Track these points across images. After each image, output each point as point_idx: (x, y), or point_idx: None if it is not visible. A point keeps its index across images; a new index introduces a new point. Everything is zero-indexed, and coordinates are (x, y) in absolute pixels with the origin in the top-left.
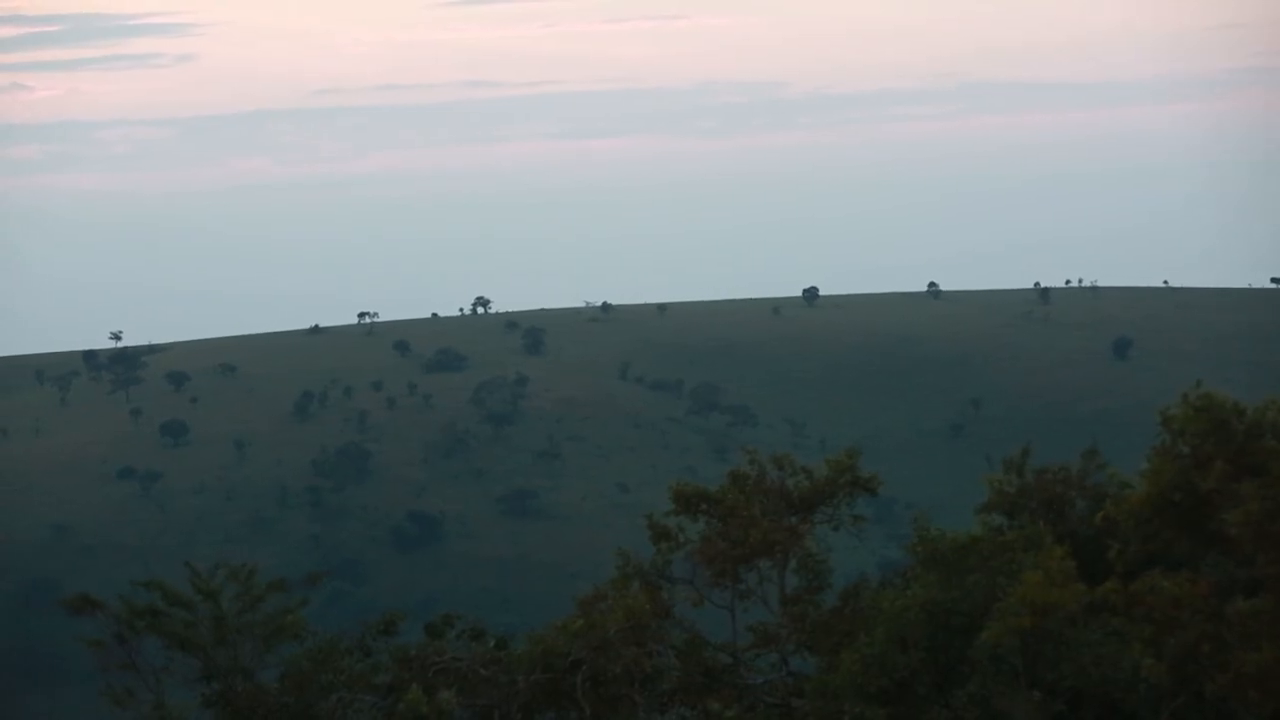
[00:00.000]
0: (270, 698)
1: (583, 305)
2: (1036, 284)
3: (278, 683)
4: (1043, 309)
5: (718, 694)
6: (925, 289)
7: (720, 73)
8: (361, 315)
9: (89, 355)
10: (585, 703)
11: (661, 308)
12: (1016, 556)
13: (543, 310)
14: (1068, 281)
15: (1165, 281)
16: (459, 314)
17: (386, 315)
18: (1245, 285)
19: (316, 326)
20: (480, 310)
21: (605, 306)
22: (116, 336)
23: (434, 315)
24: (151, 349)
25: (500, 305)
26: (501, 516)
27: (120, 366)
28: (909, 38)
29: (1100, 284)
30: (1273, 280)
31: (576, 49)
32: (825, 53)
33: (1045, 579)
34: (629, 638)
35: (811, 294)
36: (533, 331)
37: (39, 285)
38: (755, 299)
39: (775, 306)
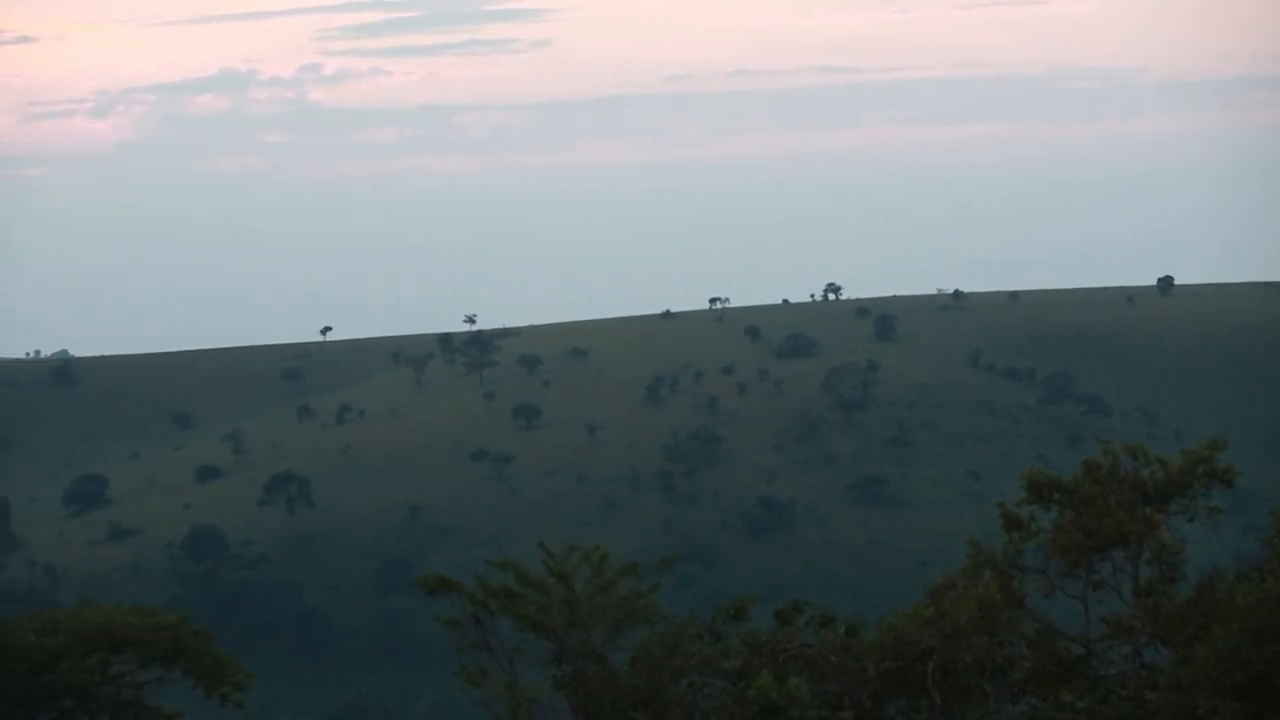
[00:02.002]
0: (621, 681)
1: (934, 292)
2: None
3: (628, 666)
4: None
5: (1070, 685)
6: None
7: (1074, 58)
8: (713, 300)
9: (444, 338)
10: (935, 692)
11: (1014, 295)
12: None
13: (894, 297)
14: None
15: None
16: (810, 300)
17: (738, 301)
18: None
19: (668, 311)
20: (831, 296)
21: (957, 294)
22: (471, 319)
23: (785, 301)
24: (505, 332)
25: (851, 291)
26: (852, 503)
27: (474, 349)
28: (1271, 23)
29: None
30: None
31: (930, 35)
32: (1184, 38)
33: None
34: (980, 627)
35: (1166, 283)
36: (884, 318)
37: (394, 268)
38: (1108, 287)
39: (1129, 295)
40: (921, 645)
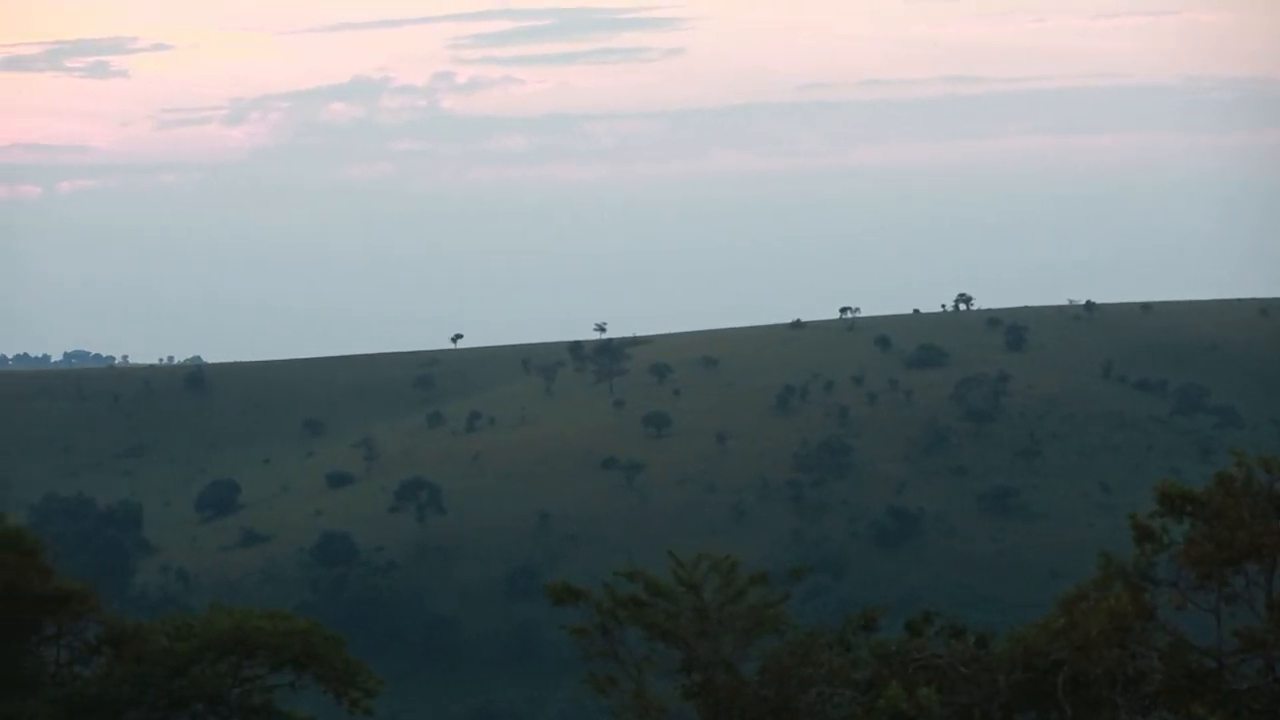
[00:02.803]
0: (750, 690)
1: (1066, 303)
2: None
3: (757, 676)
4: None
5: (1201, 699)
6: None
7: (1210, 68)
8: (843, 310)
9: (574, 346)
10: (1066, 704)
11: (1145, 307)
12: None
13: (1025, 308)
14: None
15: None
16: (940, 310)
17: (868, 310)
18: None
19: (798, 320)
20: (962, 307)
21: (1089, 304)
22: (601, 328)
23: (915, 311)
24: (635, 341)
25: (982, 302)
26: (982, 514)
27: (604, 358)
28: None
29: None
30: None
31: (1064, 44)
32: None
33: None
34: (1111, 639)
35: None
36: (1015, 329)
37: (525, 275)
38: (1241, 299)
39: (1262, 307)
40: (1052, 657)
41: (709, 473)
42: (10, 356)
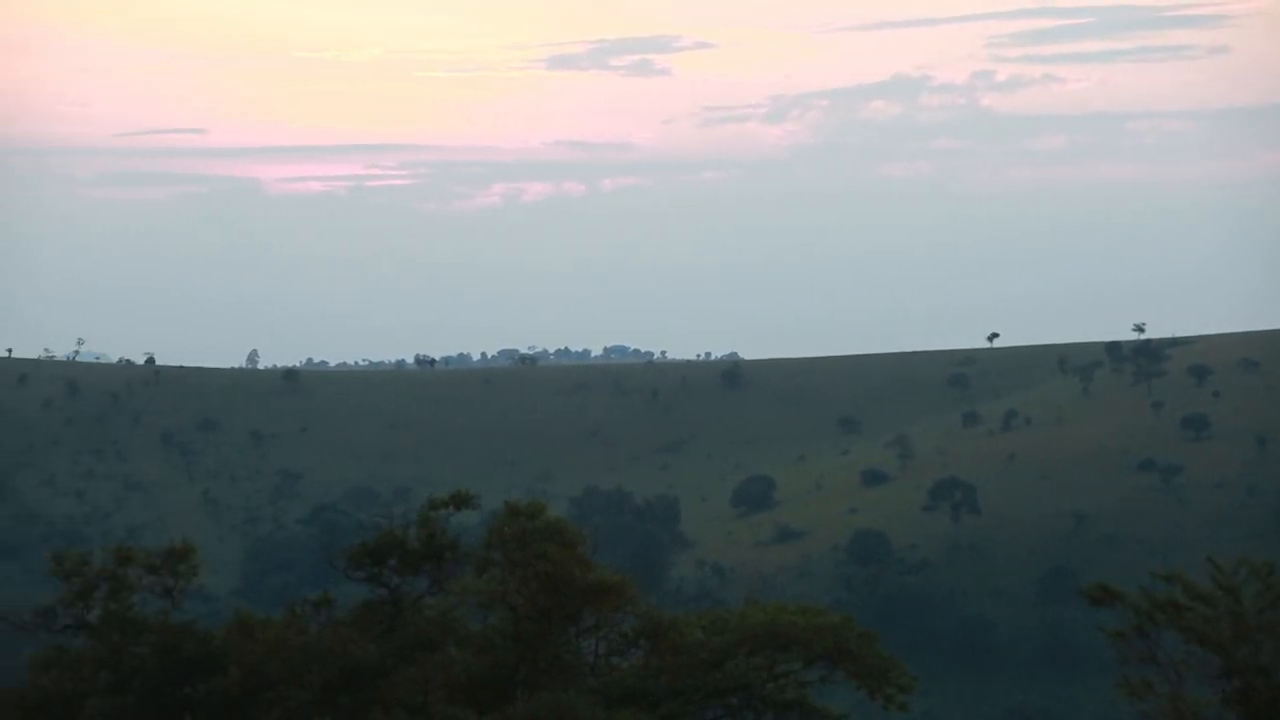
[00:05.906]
0: None
1: None
2: None
3: None
4: None
5: None
6: None
7: None
8: None
9: (1112, 346)
10: None
11: None
12: None
13: None
14: None
15: None
16: None
17: None
18: None
19: None
20: None
21: None
22: (1139, 328)
23: None
24: (1174, 342)
25: None
26: None
27: (1143, 359)
28: None
29: None
30: None
31: None
32: None
33: None
34: None
35: None
36: None
37: (1061, 274)
38: None
39: None
40: None
41: (1250, 476)
42: (552, 351)
